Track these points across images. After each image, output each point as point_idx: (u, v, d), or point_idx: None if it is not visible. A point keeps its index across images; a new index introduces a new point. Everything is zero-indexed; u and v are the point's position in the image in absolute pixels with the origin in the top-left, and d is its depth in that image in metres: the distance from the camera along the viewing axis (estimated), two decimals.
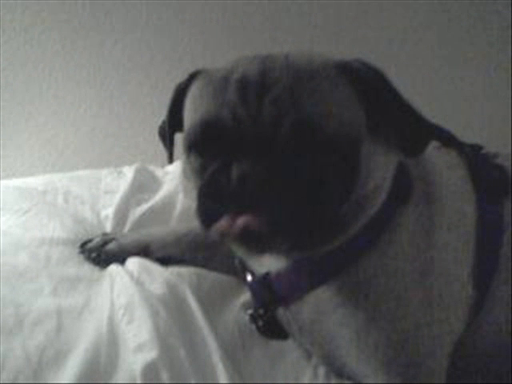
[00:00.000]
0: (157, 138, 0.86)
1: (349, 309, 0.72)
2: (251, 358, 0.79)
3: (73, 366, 0.69)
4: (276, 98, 0.64)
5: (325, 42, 1.61)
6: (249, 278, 0.83)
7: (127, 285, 0.84)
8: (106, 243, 0.98)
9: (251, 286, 0.83)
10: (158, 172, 1.32)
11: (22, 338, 0.73)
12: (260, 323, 0.81)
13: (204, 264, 0.94)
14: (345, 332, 0.72)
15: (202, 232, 0.69)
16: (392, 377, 0.71)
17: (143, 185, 1.23)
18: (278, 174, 0.62)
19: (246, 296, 0.87)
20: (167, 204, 1.14)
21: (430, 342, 0.71)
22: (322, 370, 0.78)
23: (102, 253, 0.96)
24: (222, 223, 0.63)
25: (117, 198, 1.14)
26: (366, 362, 0.72)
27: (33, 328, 0.75)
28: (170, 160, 0.84)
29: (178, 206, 1.12)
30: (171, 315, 0.78)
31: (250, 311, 0.83)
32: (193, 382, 0.70)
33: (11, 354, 0.70)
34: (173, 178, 1.24)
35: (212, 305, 0.84)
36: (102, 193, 1.19)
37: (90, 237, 1.00)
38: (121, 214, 1.10)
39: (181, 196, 1.13)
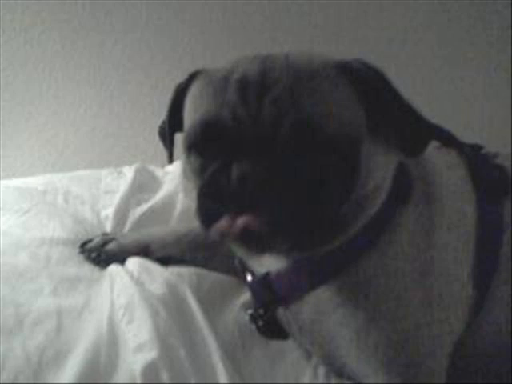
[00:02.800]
0: (157, 138, 0.86)
1: (349, 309, 0.72)
2: (251, 357, 0.79)
3: (73, 365, 0.69)
4: (276, 98, 0.64)
5: (325, 42, 1.61)
6: (249, 278, 0.83)
7: (127, 285, 0.84)
8: (106, 243, 0.98)
9: (251, 285, 0.83)
10: (158, 172, 1.32)
11: (22, 338, 0.73)
12: (260, 323, 0.81)
13: (204, 264, 0.94)
14: (345, 332, 0.72)
15: (202, 232, 0.69)
16: (392, 377, 0.71)
17: (143, 185, 1.23)
18: (278, 173, 0.62)
19: (245, 296, 0.87)
20: (167, 204, 1.14)
21: (430, 342, 0.71)
22: (321, 370, 0.78)
23: (102, 253, 0.96)
24: (222, 223, 0.63)
25: (117, 198, 1.14)
26: (365, 362, 0.72)
27: (33, 328, 0.75)
28: (170, 160, 0.84)
29: (178, 206, 1.12)
30: (171, 315, 0.78)
31: (250, 311, 0.83)
32: (193, 382, 0.70)
33: (11, 354, 0.70)
34: (173, 178, 1.23)
35: (212, 305, 0.84)
36: (102, 193, 1.19)
37: (89, 237, 1.00)
38: (121, 214, 1.09)
39: (181, 196, 1.13)
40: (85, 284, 0.86)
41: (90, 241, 0.99)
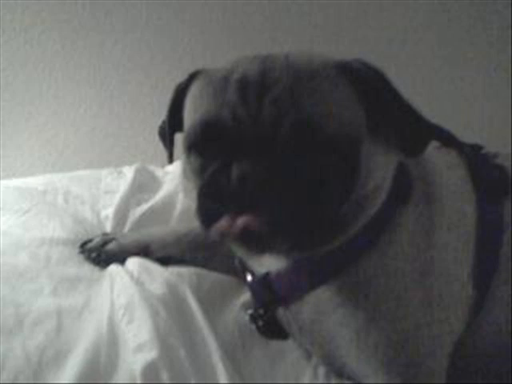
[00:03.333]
0: (157, 138, 0.86)
1: (349, 309, 0.72)
2: (251, 357, 0.79)
3: (73, 365, 0.69)
4: (276, 98, 0.64)
5: (325, 42, 1.61)
6: (249, 278, 0.83)
7: (127, 285, 0.84)
8: (106, 243, 0.98)
9: (251, 285, 0.83)
10: (158, 172, 1.32)
11: (22, 338, 0.73)
12: (260, 323, 0.81)
13: (204, 264, 0.94)
14: (345, 332, 0.72)
15: (202, 232, 0.69)
16: (392, 377, 0.71)
17: (143, 185, 1.23)
18: (278, 174, 0.62)
19: (245, 296, 0.87)
20: (167, 204, 1.14)
21: (430, 342, 0.71)
22: (321, 370, 0.78)
23: (102, 253, 0.96)
24: (222, 223, 0.63)
25: (117, 198, 1.14)
26: (365, 362, 0.72)
27: (33, 328, 0.75)
28: (170, 160, 0.84)
29: (178, 206, 1.12)
30: (171, 315, 0.78)
31: (250, 311, 0.83)
32: (193, 382, 0.70)
33: (11, 354, 0.70)
34: (173, 178, 1.23)
35: (212, 305, 0.84)
36: (102, 193, 1.19)
37: (89, 237, 1.00)
38: (121, 214, 1.10)
39: (181, 196, 1.13)
40: (85, 284, 0.86)
41: (90, 241, 0.99)
